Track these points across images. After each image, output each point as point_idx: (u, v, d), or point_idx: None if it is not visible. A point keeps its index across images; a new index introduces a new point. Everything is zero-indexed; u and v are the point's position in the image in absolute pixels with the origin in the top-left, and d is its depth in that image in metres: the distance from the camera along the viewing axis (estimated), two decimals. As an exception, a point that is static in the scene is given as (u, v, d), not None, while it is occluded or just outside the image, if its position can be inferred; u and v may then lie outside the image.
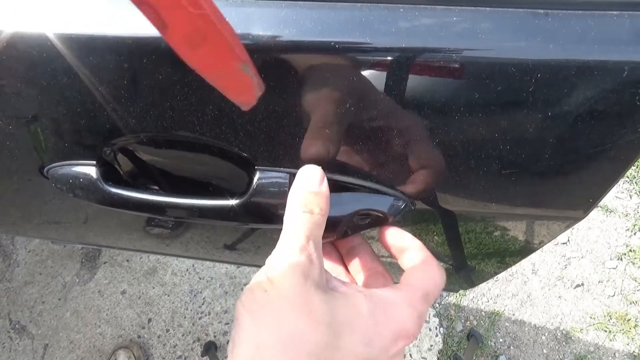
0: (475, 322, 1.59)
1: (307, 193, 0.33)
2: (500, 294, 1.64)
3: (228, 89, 0.26)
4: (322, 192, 0.34)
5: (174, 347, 1.58)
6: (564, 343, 1.55)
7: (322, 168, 0.35)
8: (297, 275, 0.30)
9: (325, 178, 0.34)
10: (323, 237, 0.34)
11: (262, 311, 0.30)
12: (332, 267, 0.42)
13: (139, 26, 0.32)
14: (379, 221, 0.40)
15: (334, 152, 0.36)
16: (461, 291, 1.63)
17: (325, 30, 0.31)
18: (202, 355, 1.53)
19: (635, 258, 1.68)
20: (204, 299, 1.65)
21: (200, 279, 1.69)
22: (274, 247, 0.33)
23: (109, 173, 0.44)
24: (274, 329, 0.28)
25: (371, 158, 0.37)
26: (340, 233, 0.41)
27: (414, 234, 0.39)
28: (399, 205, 0.40)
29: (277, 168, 0.38)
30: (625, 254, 1.69)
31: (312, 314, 0.29)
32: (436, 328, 1.58)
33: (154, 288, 1.68)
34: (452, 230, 0.49)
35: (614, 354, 1.53)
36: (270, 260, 0.32)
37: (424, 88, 0.32)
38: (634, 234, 1.73)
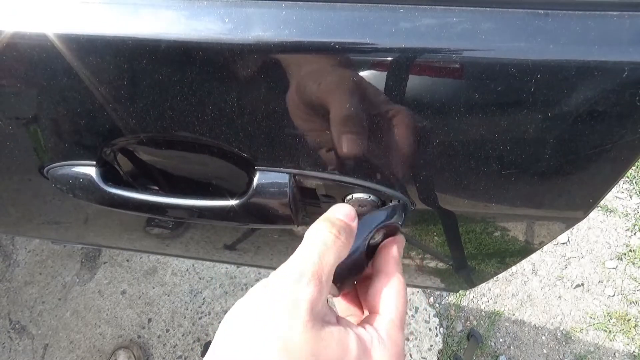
0: (475, 322, 1.59)
1: (338, 219, 0.34)
2: (500, 294, 1.64)
3: None
4: (352, 225, 0.35)
5: (174, 347, 1.58)
6: (564, 343, 1.55)
7: (337, 165, 0.35)
8: (300, 306, 0.28)
9: (357, 218, 0.36)
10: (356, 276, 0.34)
11: (248, 330, 0.28)
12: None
13: (138, 27, 0.32)
14: (392, 232, 0.40)
15: (363, 146, 0.36)
16: (461, 291, 1.63)
17: (325, 31, 0.31)
18: (202, 355, 1.53)
19: (635, 258, 1.68)
20: (204, 299, 1.65)
21: (200, 279, 1.69)
22: (274, 248, 0.32)
23: (108, 173, 0.44)
24: (252, 355, 0.27)
25: (372, 157, 0.37)
26: (369, 261, 0.39)
27: (414, 235, 0.39)
28: (405, 209, 0.40)
29: (277, 168, 0.38)
30: (625, 254, 1.69)
31: (297, 353, 0.27)
32: (436, 328, 1.58)
33: (154, 288, 1.68)
34: (453, 231, 0.49)
35: (614, 354, 1.53)
36: (276, 277, 0.30)
37: (423, 88, 0.32)
38: (634, 234, 1.73)
